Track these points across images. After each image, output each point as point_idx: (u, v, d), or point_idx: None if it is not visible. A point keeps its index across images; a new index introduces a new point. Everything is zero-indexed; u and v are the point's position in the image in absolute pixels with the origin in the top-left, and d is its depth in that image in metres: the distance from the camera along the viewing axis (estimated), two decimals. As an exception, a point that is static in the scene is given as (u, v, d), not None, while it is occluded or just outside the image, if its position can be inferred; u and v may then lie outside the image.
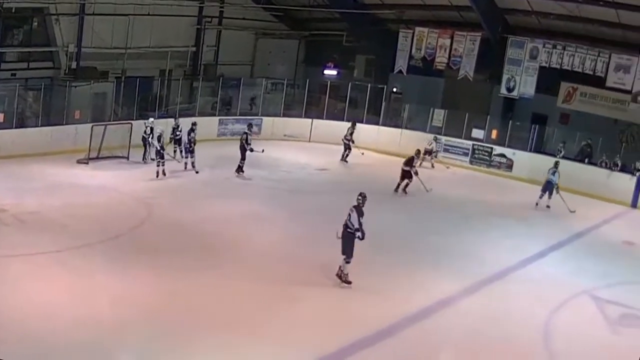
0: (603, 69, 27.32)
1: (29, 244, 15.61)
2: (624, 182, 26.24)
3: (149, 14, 30.09)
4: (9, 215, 17.60)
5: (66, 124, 25.99)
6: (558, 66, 28.53)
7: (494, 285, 16.41)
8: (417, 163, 25.27)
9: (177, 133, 26.05)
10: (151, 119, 25.80)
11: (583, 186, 26.19)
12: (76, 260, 15.08)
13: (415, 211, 22.69)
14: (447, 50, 31.20)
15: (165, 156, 23.84)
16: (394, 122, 33.04)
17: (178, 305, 13.36)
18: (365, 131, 30.75)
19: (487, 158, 30.22)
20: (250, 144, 24.70)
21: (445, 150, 30.79)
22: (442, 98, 33.40)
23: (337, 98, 34.23)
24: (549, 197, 24.00)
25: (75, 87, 27.35)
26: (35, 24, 28.28)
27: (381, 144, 31.54)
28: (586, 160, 27.81)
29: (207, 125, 29.19)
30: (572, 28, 28.15)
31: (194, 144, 24.57)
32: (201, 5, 33.42)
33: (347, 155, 29.34)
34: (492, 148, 30.16)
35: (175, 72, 32.97)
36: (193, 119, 26.41)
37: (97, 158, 24.89)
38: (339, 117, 32.64)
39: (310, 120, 33.02)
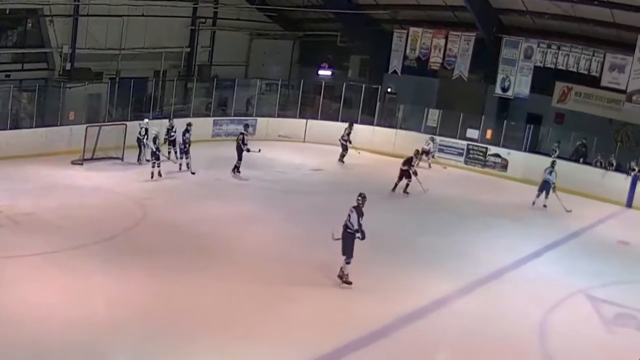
0: (598, 68, 27.37)
1: (23, 245, 15.56)
2: (619, 182, 26.26)
3: (143, 15, 30.03)
4: (3, 216, 17.53)
5: (61, 125, 25.91)
6: (553, 66, 28.58)
7: (489, 285, 16.42)
8: (415, 163, 25.25)
9: (172, 134, 25.99)
10: (146, 120, 25.73)
11: (578, 186, 26.20)
12: (71, 262, 15.04)
13: (410, 211, 22.69)
14: (442, 50, 31.23)
15: (161, 157, 23.80)
16: (388, 122, 33.05)
17: (173, 306, 13.34)
18: (359, 131, 30.69)
19: (482, 158, 30.24)
20: (246, 144, 24.72)
21: (440, 151, 30.73)
22: (436, 98, 33.43)
23: (331, 98, 34.21)
24: (546, 197, 24.04)
25: (70, 88, 27.28)
26: (30, 25, 28.21)
27: (376, 144, 31.57)
28: (581, 160, 27.87)
29: (202, 126, 29.14)
30: (566, 28, 28.19)
31: (189, 145, 24.54)
32: (195, 6, 33.38)
33: (344, 156, 29.33)
34: (486, 148, 30.18)
35: (170, 73, 32.90)
36: (188, 120, 26.40)
37: (92, 159, 24.82)
38: (334, 118, 32.69)
39: (304, 120, 33.02)
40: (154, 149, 23.46)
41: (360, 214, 14.94)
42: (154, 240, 17.18)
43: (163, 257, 15.80)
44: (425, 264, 17.27)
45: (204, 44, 34.85)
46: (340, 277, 15.17)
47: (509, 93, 30.04)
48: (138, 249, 16.31)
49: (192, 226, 18.42)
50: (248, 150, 24.59)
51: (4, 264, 14.46)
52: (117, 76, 29.86)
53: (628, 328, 14.88)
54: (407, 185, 24.45)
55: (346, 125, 29.92)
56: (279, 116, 33.11)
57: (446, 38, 31.11)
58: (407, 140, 30.07)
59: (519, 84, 29.61)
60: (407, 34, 32.30)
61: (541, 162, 26.08)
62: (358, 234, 14.87)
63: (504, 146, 29.77)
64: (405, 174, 24.39)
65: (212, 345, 11.97)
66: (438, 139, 30.69)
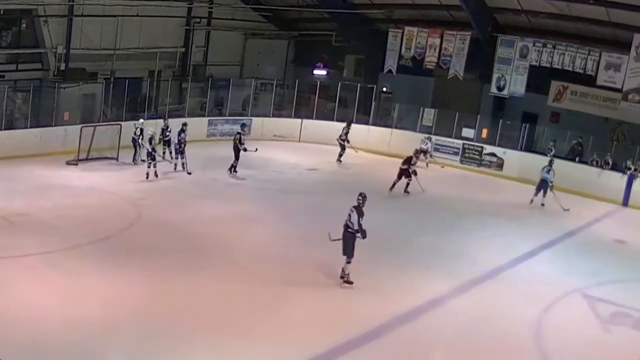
0: (593, 67, 27.36)
1: (18, 246, 15.49)
2: (615, 181, 26.28)
3: (137, 15, 29.93)
4: (-2, 217, 17.51)
5: (55, 125, 25.85)
6: (548, 65, 28.56)
7: (486, 285, 16.41)
8: (415, 162, 25.20)
9: (167, 134, 25.92)
10: (141, 120, 25.70)
11: (574, 185, 26.17)
12: (66, 262, 14.99)
13: (407, 211, 22.70)
14: (437, 50, 31.19)
15: (157, 157, 23.74)
16: (383, 121, 33.01)
17: (169, 306, 13.30)
18: (355, 131, 30.55)
19: (478, 157, 30.23)
20: (243, 144, 24.71)
21: (436, 150, 30.67)
22: (432, 97, 33.38)
23: (326, 98, 34.16)
24: (544, 196, 24.06)
25: (64, 88, 27.23)
26: (24, 25, 28.09)
27: (371, 144, 31.53)
28: (577, 159, 27.87)
29: (197, 125, 29.08)
30: (562, 27, 28.19)
31: (184, 145, 24.49)
32: (190, 5, 33.32)
33: (342, 156, 29.28)
34: (482, 147, 30.16)
35: (165, 72, 32.83)
36: (183, 120, 26.35)
37: (87, 159, 24.75)
38: (329, 117, 32.66)
39: (300, 120, 32.99)
40: (150, 149, 23.41)
41: (360, 214, 14.94)
42: (149, 241, 17.12)
43: (159, 257, 15.77)
44: (421, 264, 17.25)
45: (199, 43, 34.80)
46: (342, 277, 15.16)
47: (505, 92, 30.00)
48: (133, 249, 16.25)
49: (188, 226, 18.38)
50: (245, 150, 24.58)
51: (-2, 264, 14.42)
52: (112, 76, 29.81)
53: (624, 327, 14.89)
54: (408, 184, 24.41)
55: (344, 124, 29.91)
56: (274, 116, 33.07)
57: (441, 37, 31.07)
58: (403, 140, 30.09)
59: (515, 83, 29.56)
60: (402, 33, 32.25)
61: (537, 161, 26.11)
62: (359, 234, 14.85)
63: (499, 145, 29.76)
64: (404, 173, 24.34)
65: (210, 345, 11.93)
66: (434, 138, 30.66)
